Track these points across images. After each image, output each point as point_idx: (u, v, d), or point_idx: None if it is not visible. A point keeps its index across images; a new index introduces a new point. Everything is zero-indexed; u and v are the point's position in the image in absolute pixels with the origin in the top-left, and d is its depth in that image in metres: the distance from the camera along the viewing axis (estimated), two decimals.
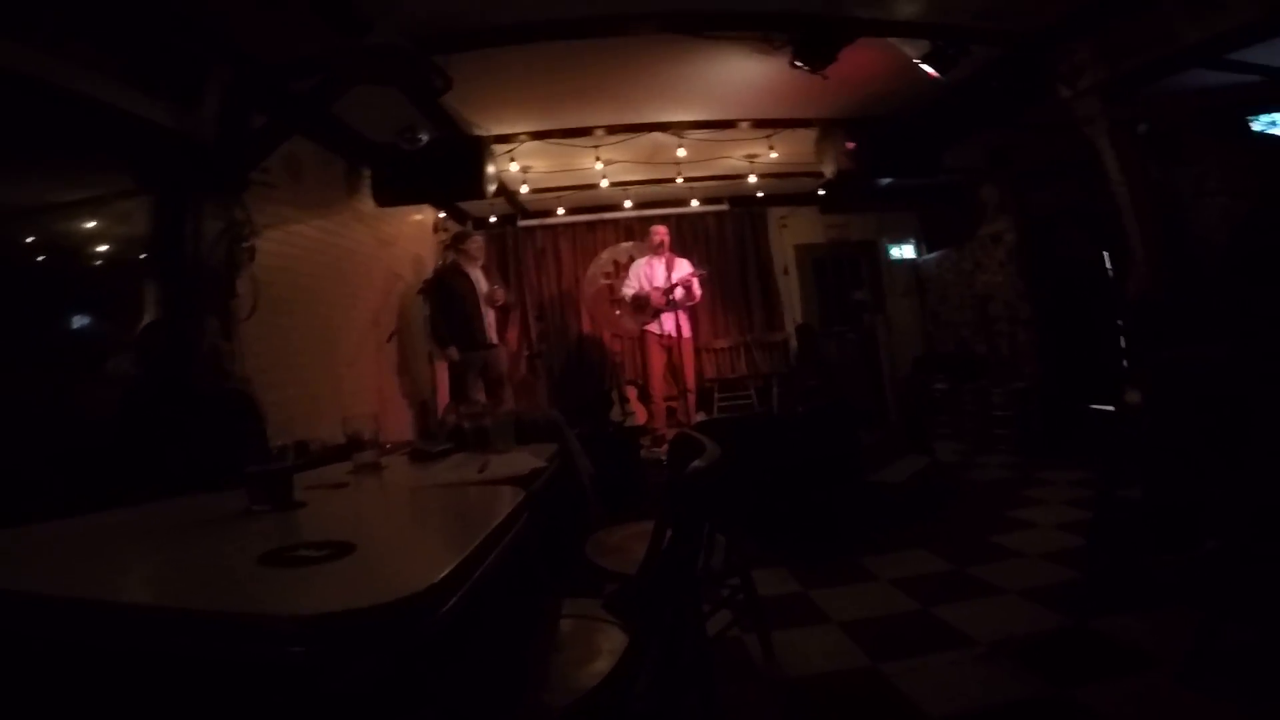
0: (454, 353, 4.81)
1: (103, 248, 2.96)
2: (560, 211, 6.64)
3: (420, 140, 3.99)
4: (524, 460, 1.95)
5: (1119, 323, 4.88)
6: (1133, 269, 3.57)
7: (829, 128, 4.72)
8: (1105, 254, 5.23)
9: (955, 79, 3.82)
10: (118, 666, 0.88)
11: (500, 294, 4.96)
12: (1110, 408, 2.79)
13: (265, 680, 0.96)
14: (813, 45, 3.42)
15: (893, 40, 3.62)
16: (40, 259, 2.71)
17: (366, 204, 4.57)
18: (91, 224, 2.90)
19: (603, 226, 7.10)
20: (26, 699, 0.89)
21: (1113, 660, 2.00)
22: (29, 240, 2.65)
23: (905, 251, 7.62)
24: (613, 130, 4.74)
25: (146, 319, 2.90)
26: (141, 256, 2.98)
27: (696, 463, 1.07)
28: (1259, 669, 1.81)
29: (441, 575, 0.81)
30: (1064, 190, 5.47)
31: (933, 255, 7.25)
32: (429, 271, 5.49)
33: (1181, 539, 2.41)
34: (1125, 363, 4.84)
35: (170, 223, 2.86)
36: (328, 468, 2.11)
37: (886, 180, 6.10)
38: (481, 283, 4.97)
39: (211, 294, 2.95)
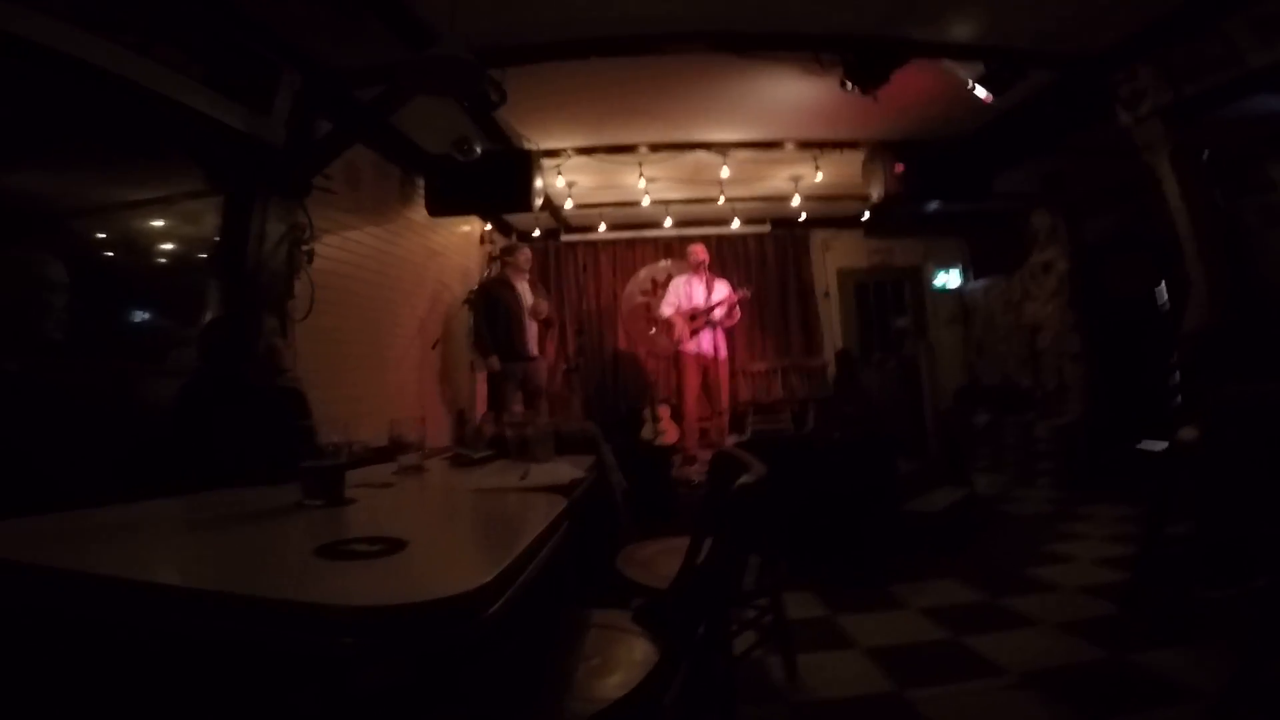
0: (495, 362, 4.90)
1: (171, 245, 3.10)
2: (602, 227, 6.72)
3: (475, 152, 4.11)
4: (564, 470, 1.98)
5: (1172, 358, 4.71)
6: (1191, 301, 3.46)
7: (876, 150, 4.68)
8: (1160, 286, 5.07)
9: (1009, 102, 3.79)
10: (175, 649, 0.93)
11: (544, 307, 5.03)
12: (1160, 444, 2.71)
13: (309, 670, 1.01)
14: (865, 66, 3.42)
15: (946, 62, 3.60)
16: (114, 254, 2.85)
17: (419, 213, 4.72)
18: (163, 222, 3.04)
19: (642, 244, 7.17)
20: (85, 676, 0.95)
21: (1146, 693, 1.95)
22: (106, 235, 2.79)
23: (951, 278, 7.48)
24: (657, 148, 4.81)
25: (209, 315, 3.05)
26: (207, 254, 3.13)
27: (745, 478, 1.08)
28: None
29: (492, 576, 0.83)
30: (1119, 218, 5.33)
31: (979, 283, 7.12)
32: (475, 282, 5.62)
33: (1229, 575, 2.33)
34: (1178, 399, 4.67)
35: (237, 223, 3.00)
36: (372, 468, 2.17)
37: (934, 205, 6.03)
38: (527, 295, 5.05)
39: (271, 294, 3.08)
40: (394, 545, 1.03)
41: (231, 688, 0.96)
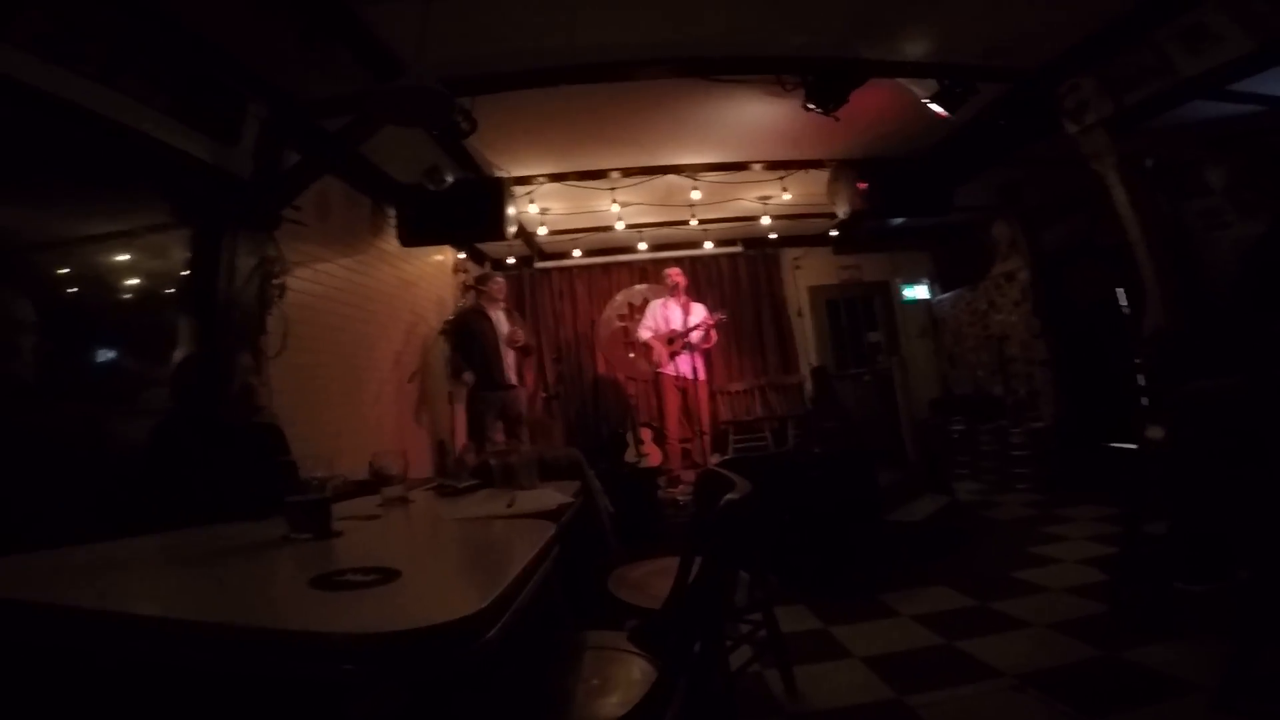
0: (470, 377, 4.85)
1: (139, 280, 3.03)
2: (576, 253, 6.77)
3: (446, 181, 4.11)
4: (550, 496, 1.98)
5: (1136, 359, 4.87)
6: (1148, 304, 3.59)
7: (841, 168, 4.81)
8: (1119, 290, 5.25)
9: (963, 117, 3.92)
10: (169, 682, 0.91)
11: (520, 335, 5.03)
12: (1130, 445, 2.80)
13: (308, 698, 0.98)
14: (824, 87, 3.52)
15: (902, 81, 3.72)
16: (80, 290, 2.77)
17: (391, 244, 4.70)
18: (129, 256, 2.97)
19: (617, 269, 7.23)
20: (79, 712, 0.92)
21: (1145, 689, 1.98)
22: (71, 271, 2.72)
23: (919, 292, 7.66)
24: (628, 173, 4.89)
25: (181, 353, 2.99)
26: (176, 290, 3.07)
27: (731, 495, 1.10)
28: None
29: (488, 601, 0.84)
30: (1075, 226, 5.53)
31: (947, 295, 7.29)
32: (450, 312, 5.60)
33: (1210, 570, 2.39)
34: (1144, 399, 4.81)
35: (206, 257, 2.95)
36: (356, 500, 2.15)
37: (899, 220, 6.20)
38: (502, 324, 5.05)
39: (244, 330, 3.04)
40: (388, 575, 1.03)
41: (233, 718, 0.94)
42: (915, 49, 3.47)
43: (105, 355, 2.86)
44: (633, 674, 1.32)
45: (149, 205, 2.91)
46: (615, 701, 1.19)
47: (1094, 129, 3.61)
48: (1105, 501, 4.39)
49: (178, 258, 3.05)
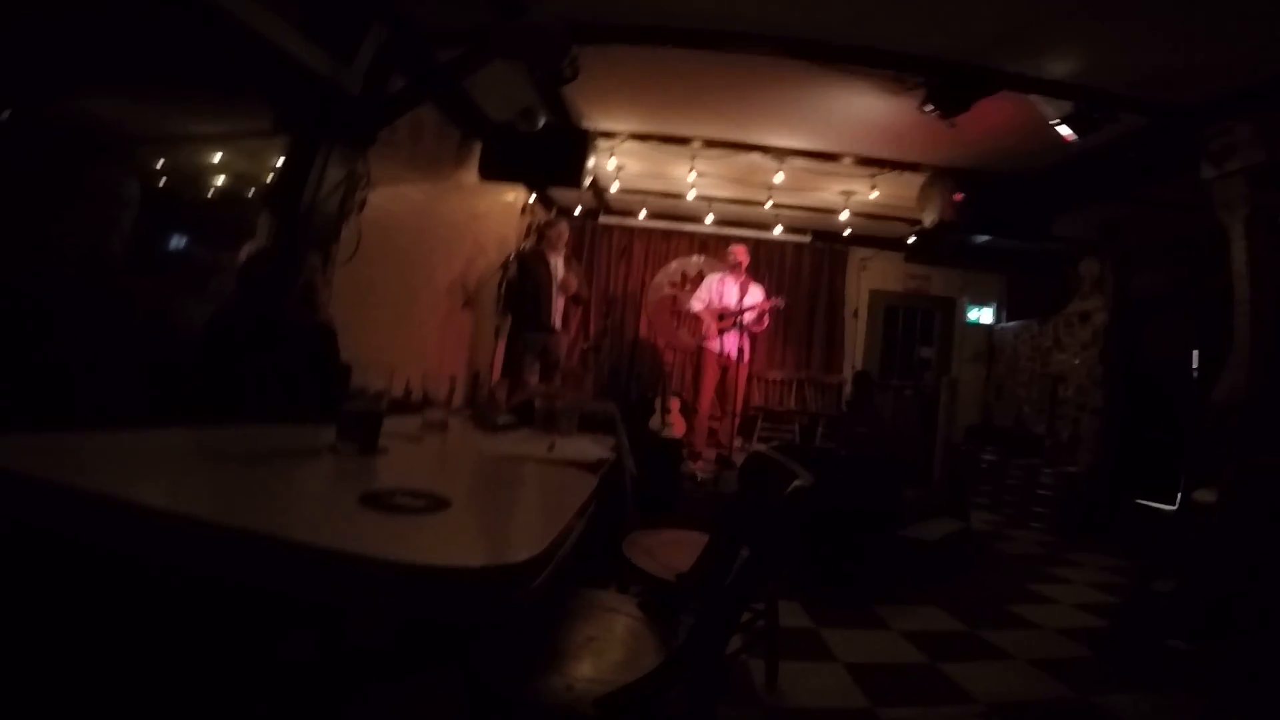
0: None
1: (231, 177, 3.16)
2: (642, 214, 6.73)
3: (538, 123, 4.13)
4: (589, 448, 2.01)
5: (1194, 423, 4.68)
6: (1228, 368, 3.42)
7: (938, 175, 4.64)
8: (1194, 351, 5.01)
9: (1085, 144, 3.73)
10: (185, 586, 0.90)
11: (573, 283, 5.06)
12: (1161, 504, 2.75)
13: (305, 614, 0.97)
14: (950, 92, 3.38)
15: (1034, 97, 3.54)
16: (176, 181, 2.90)
17: (470, 177, 4.74)
18: (226, 155, 3.10)
19: (679, 236, 7.18)
20: (108, 612, 0.93)
21: None
22: (171, 163, 2.84)
23: (984, 315, 7.42)
24: (712, 144, 4.80)
25: (254, 247, 3.11)
26: (265, 191, 3.18)
27: (799, 483, 1.08)
28: None
29: (542, 548, 0.84)
30: (1170, 276, 5.26)
31: (1011, 325, 7.06)
32: (511, 250, 5.66)
33: (1210, 631, 2.38)
34: (1193, 463, 4.65)
35: (299, 164, 3.03)
36: (394, 419, 2.21)
37: (982, 238, 5.97)
38: (559, 270, 5.10)
39: (319, 235, 3.13)
40: (437, 503, 1.03)
41: (230, 627, 0.95)
42: (1060, 68, 3.29)
43: (187, 242, 2.99)
44: (636, 640, 1.35)
45: (257, 111, 3.00)
46: (617, 664, 1.23)
47: (1234, 176, 3.40)
48: (1116, 553, 4.37)
49: (270, 162, 3.15)
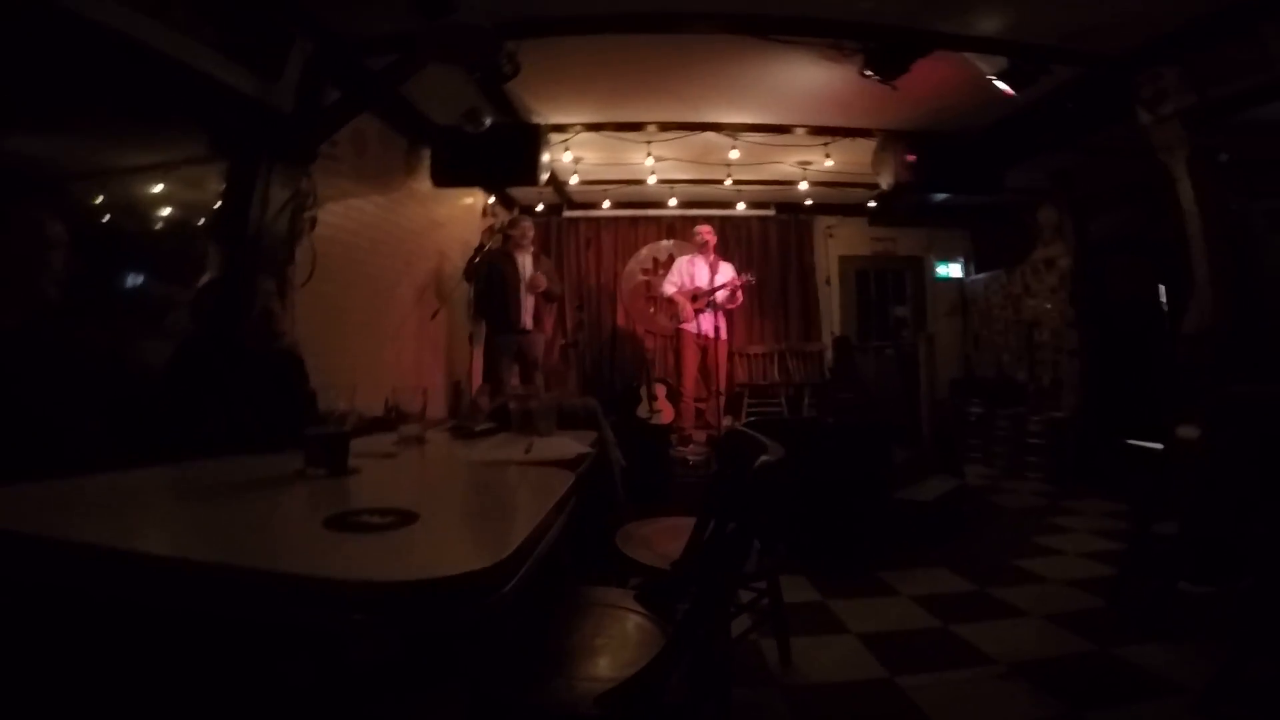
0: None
1: (172, 209, 3.06)
2: (606, 205, 6.67)
3: (484, 124, 4.05)
4: (568, 445, 1.97)
5: (1169, 358, 4.74)
6: (1194, 303, 3.46)
7: (889, 139, 4.64)
8: (1161, 287, 5.08)
9: (1027, 98, 3.75)
10: (172, 624, 0.88)
11: (542, 280, 4.96)
12: (1151, 443, 2.74)
13: (304, 642, 0.97)
14: (887, 55, 3.38)
15: (969, 55, 3.55)
16: (114, 216, 2.80)
17: (423, 184, 4.66)
18: (164, 185, 3.00)
19: (645, 223, 7.13)
20: (76, 652, 0.91)
21: (1132, 687, 1.99)
22: (107, 198, 2.75)
23: (953, 270, 7.48)
24: (666, 127, 4.75)
25: (206, 278, 3.01)
26: (208, 220, 3.09)
27: (766, 457, 1.07)
28: (1277, 704, 1.80)
29: (509, 552, 0.82)
30: (1126, 218, 5.32)
31: (980, 276, 7.12)
32: (476, 254, 5.57)
33: (1217, 573, 2.37)
34: (1173, 398, 4.71)
35: (240, 189, 2.95)
36: (370, 437, 2.16)
37: (941, 196, 6.00)
38: (527, 268, 5.02)
39: (271, 259, 3.05)
40: (405, 517, 1.02)
41: (225, 662, 0.94)
42: (990, 24, 3.30)
43: (133, 279, 2.89)
44: (638, 634, 1.33)
45: (189, 137, 2.92)
46: (619, 660, 1.21)
47: (1169, 120, 3.43)
48: (1115, 497, 4.35)
49: (212, 188, 3.07)
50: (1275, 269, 3.56)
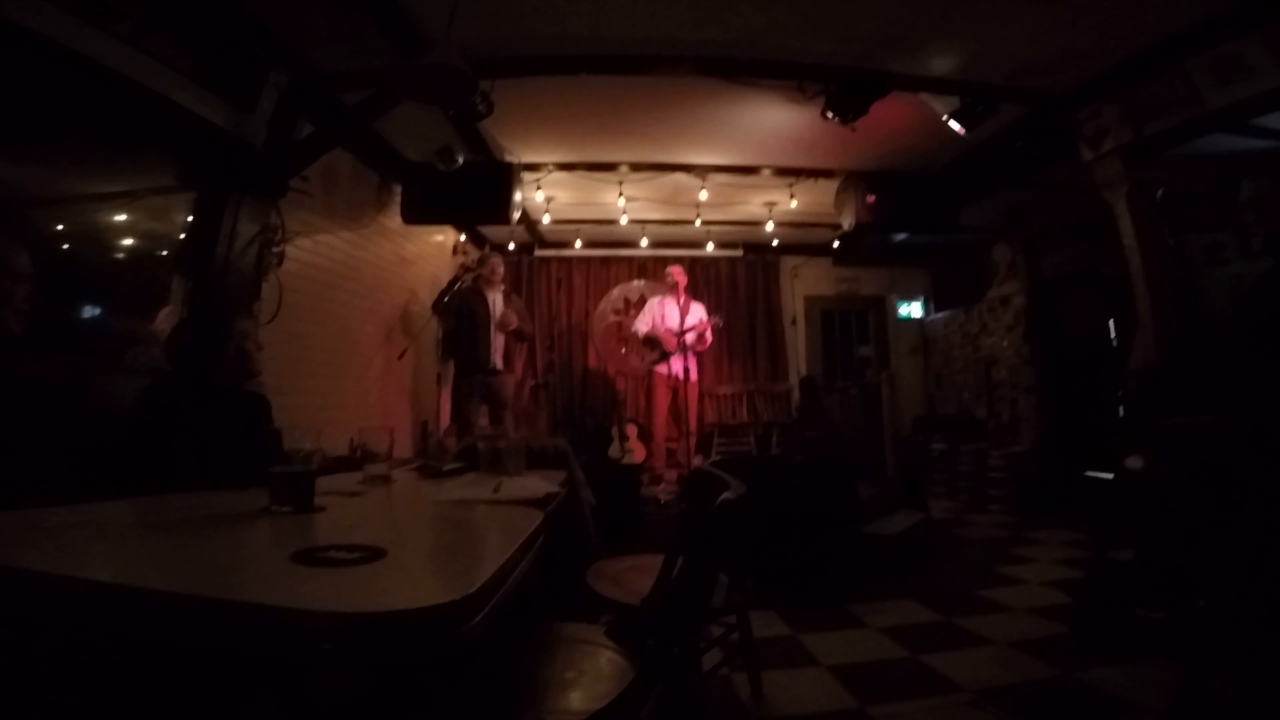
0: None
1: (137, 239, 3.01)
2: (577, 244, 6.74)
3: (457, 162, 4.10)
4: (536, 484, 1.98)
5: (1119, 391, 4.93)
6: (1138, 337, 3.62)
7: (850, 179, 4.81)
8: (1110, 321, 5.30)
9: (979, 137, 3.93)
10: (138, 655, 0.89)
11: (513, 319, 4.93)
12: (1106, 474, 2.83)
13: (271, 676, 0.97)
14: (846, 97, 3.52)
15: (924, 96, 3.73)
16: (77, 246, 2.76)
17: (394, 220, 4.67)
18: (131, 215, 2.96)
19: (617, 263, 7.22)
20: (44, 682, 0.91)
21: (1096, 710, 2.02)
22: (70, 227, 2.71)
23: (914, 309, 7.71)
24: (637, 167, 4.87)
25: (172, 313, 2.96)
26: (174, 252, 3.05)
27: (727, 495, 1.10)
28: None
29: (477, 586, 0.83)
30: (1076, 254, 5.55)
31: (940, 315, 7.34)
32: (445, 292, 5.56)
33: (1171, 598, 2.44)
34: (1123, 431, 4.89)
35: (208, 221, 2.93)
36: (336, 476, 2.13)
37: (901, 235, 6.22)
38: (497, 307, 5.02)
39: (239, 295, 3.01)
40: (373, 553, 1.02)
41: (192, 694, 0.93)
42: (942, 65, 3.48)
43: (96, 311, 2.83)
44: (608, 669, 1.32)
45: (158, 167, 2.90)
46: (589, 695, 1.20)
47: (1109, 157, 3.61)
48: (1075, 527, 4.48)
49: (179, 219, 3.03)
50: (1213, 302, 3.75)
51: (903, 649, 2.62)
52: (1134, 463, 2.58)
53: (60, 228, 2.69)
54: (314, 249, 3.78)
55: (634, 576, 1.94)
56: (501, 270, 5.16)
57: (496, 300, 5.02)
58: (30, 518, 1.22)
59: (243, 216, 2.99)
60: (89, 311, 2.84)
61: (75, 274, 2.74)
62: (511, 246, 6.82)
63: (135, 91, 2.42)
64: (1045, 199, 5.37)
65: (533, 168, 4.77)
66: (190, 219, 3.01)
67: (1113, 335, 5.28)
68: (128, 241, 3.00)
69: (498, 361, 4.96)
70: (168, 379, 2.32)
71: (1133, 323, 3.72)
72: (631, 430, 6.13)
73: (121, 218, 2.94)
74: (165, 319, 2.97)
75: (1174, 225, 3.80)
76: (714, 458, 6.26)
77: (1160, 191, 3.68)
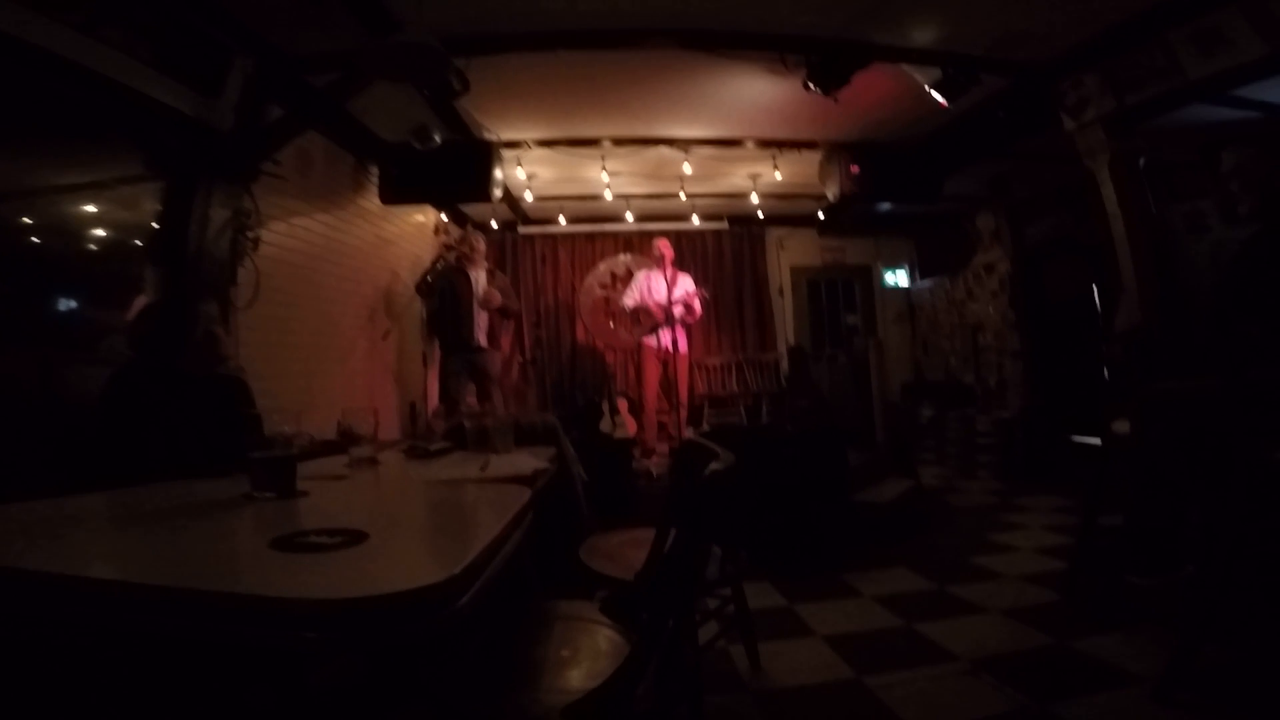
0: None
1: (106, 229, 2.95)
2: (561, 220, 6.66)
3: (434, 141, 4.02)
4: (525, 461, 1.96)
5: (1104, 356, 4.97)
6: (1122, 303, 3.64)
7: (834, 150, 4.77)
8: (1094, 288, 5.33)
9: (961, 107, 3.91)
10: (120, 649, 0.87)
11: (496, 297, 4.88)
12: (1093, 439, 2.85)
13: (264, 666, 0.96)
14: (827, 68, 3.48)
15: (906, 67, 3.68)
16: (45, 239, 2.70)
17: (371, 201, 4.58)
18: (98, 205, 2.89)
19: (602, 238, 7.15)
20: (26, 678, 0.89)
21: (1092, 677, 2.04)
22: (36, 219, 2.64)
23: (900, 278, 7.72)
24: (620, 142, 4.79)
25: (144, 302, 2.89)
26: (146, 240, 2.98)
27: (715, 465, 1.08)
28: (1231, 687, 1.87)
29: (461, 567, 0.81)
30: (1059, 222, 5.58)
31: (926, 283, 7.36)
32: (427, 271, 5.48)
33: (1160, 563, 2.46)
34: (1109, 394, 4.94)
35: (178, 209, 2.86)
36: (322, 460, 2.10)
37: (886, 205, 6.19)
38: (480, 285, 4.95)
39: (212, 281, 2.95)
40: (355, 537, 1.00)
41: (182, 687, 0.92)
42: (923, 36, 3.43)
43: (68, 303, 2.76)
44: (603, 645, 1.32)
45: (123, 156, 2.82)
46: (585, 672, 1.19)
47: (1091, 126, 3.61)
48: (1064, 493, 4.51)
49: (149, 208, 2.96)
50: (1194, 268, 3.77)
51: (897, 618, 2.64)
52: (1121, 427, 2.59)
53: (26, 220, 2.61)
54: (290, 232, 3.70)
55: (628, 551, 1.93)
56: (483, 247, 5.08)
57: (479, 278, 4.96)
58: (8, 513, 1.20)
59: (214, 202, 2.92)
60: (60, 304, 2.78)
61: (43, 267, 2.68)
62: (494, 224, 6.73)
63: (94, 81, 2.34)
64: (1028, 168, 5.37)
65: (513, 145, 4.68)
66: (160, 207, 2.93)
67: (1096, 301, 5.31)
68: (97, 232, 2.93)
69: (481, 339, 4.92)
70: (130, 367, 2.26)
71: (1116, 288, 3.74)
72: (622, 404, 6.11)
73: (89, 208, 2.87)
74: (138, 308, 2.91)
75: (1156, 193, 3.81)
76: (705, 429, 6.28)
77: (1142, 160, 3.68)
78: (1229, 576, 1.84)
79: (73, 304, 2.83)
